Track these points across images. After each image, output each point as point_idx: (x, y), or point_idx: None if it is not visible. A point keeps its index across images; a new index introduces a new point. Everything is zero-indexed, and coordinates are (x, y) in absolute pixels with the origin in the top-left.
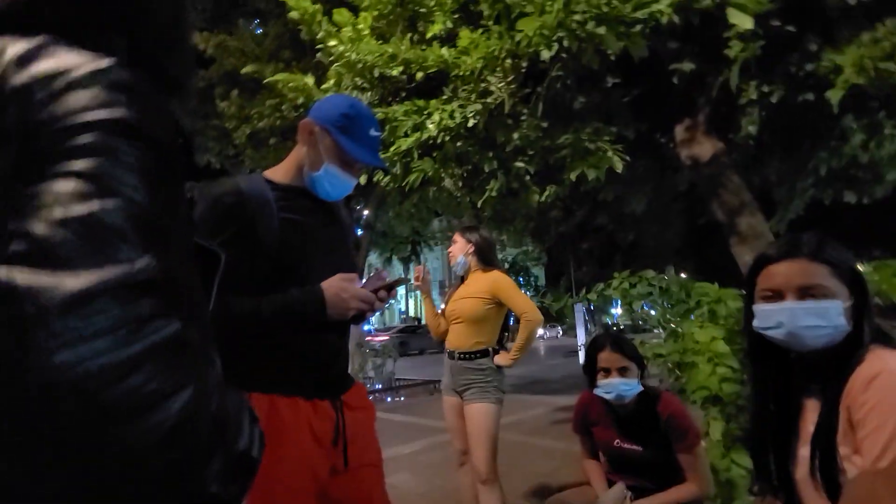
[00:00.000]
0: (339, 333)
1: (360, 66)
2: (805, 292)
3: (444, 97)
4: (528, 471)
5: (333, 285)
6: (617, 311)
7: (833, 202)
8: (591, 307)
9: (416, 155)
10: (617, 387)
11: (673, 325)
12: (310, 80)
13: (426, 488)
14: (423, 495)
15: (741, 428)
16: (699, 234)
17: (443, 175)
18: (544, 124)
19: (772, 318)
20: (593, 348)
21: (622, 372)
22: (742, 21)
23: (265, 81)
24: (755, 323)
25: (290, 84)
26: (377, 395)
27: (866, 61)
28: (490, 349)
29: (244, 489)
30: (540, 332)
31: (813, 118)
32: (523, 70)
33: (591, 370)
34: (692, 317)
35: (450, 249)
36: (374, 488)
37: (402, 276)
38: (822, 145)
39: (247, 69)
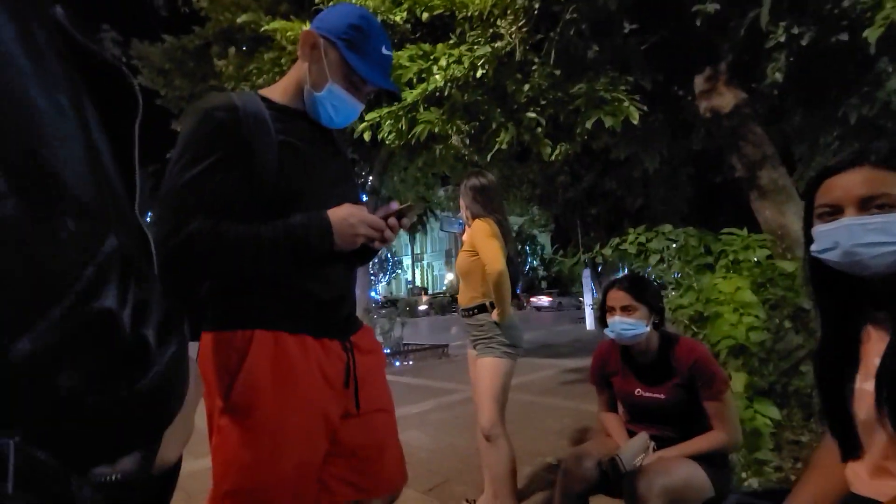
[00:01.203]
0: (346, 267)
1: None
2: (868, 203)
3: (452, 42)
4: (538, 429)
5: (340, 211)
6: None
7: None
8: (599, 270)
9: (422, 108)
10: (616, 325)
11: (691, 280)
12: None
13: (435, 445)
14: (433, 451)
15: (767, 379)
16: (706, 199)
17: (449, 131)
18: (557, 72)
19: (827, 238)
20: (605, 289)
21: (625, 311)
22: None
23: (262, 30)
24: (812, 248)
25: (289, 34)
26: (386, 359)
27: None
28: (487, 303)
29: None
30: (545, 300)
31: (843, 63)
32: (535, 12)
33: (603, 312)
34: (712, 270)
35: (461, 205)
36: (387, 434)
37: (409, 246)
38: (852, 91)
39: (243, 18)
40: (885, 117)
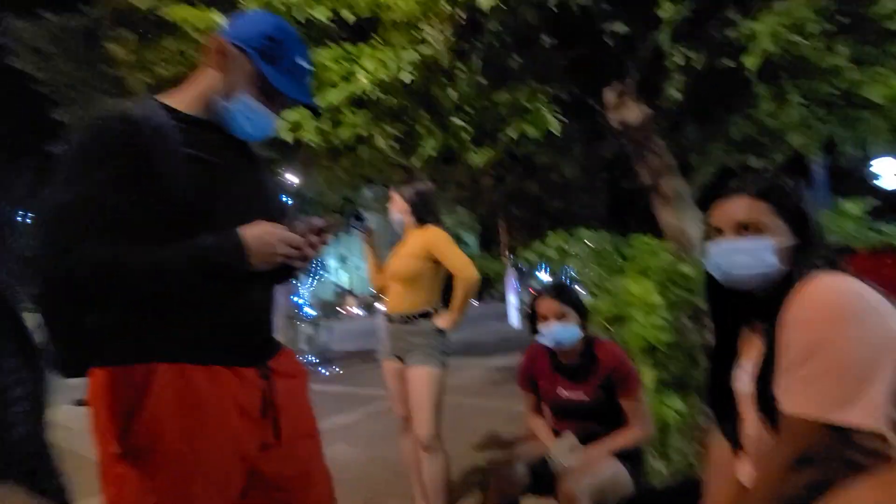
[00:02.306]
0: (263, 289)
1: (279, 5)
2: (741, 230)
3: (376, 44)
4: (468, 431)
5: (256, 229)
6: (544, 275)
7: (740, 168)
8: (521, 270)
9: (346, 110)
10: (553, 332)
11: (606, 283)
12: (220, 18)
13: (365, 458)
14: (364, 465)
15: (671, 374)
16: (620, 203)
17: (376, 134)
18: (483, 81)
19: (713, 257)
20: (535, 298)
21: (560, 318)
22: None
23: (166, 16)
24: (705, 263)
25: (196, 24)
26: (311, 367)
27: (779, 29)
28: (431, 310)
29: None
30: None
31: (729, 86)
32: (461, 21)
33: (533, 319)
34: (626, 272)
35: (390, 207)
36: (312, 460)
37: (334, 248)
38: (735, 112)
39: (141, 1)
40: (762, 135)
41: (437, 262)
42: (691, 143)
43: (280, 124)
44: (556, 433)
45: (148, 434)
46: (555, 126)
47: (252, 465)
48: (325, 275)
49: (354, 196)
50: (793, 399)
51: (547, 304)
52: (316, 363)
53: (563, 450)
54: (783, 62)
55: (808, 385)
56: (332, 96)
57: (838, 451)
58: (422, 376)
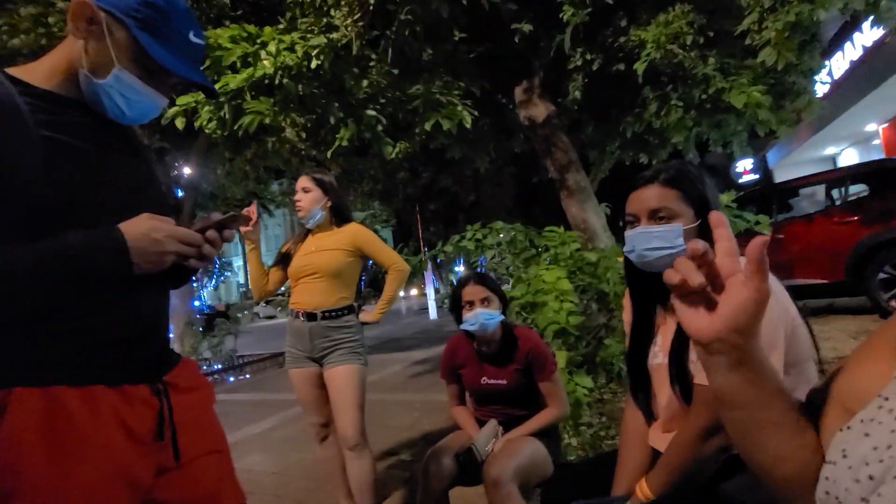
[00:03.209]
0: (154, 294)
1: None
2: (654, 215)
3: (282, 27)
4: (390, 426)
5: (139, 224)
6: (460, 268)
7: (632, 163)
8: (438, 262)
9: (248, 96)
10: (479, 316)
11: (520, 272)
12: None
13: (281, 466)
14: (280, 474)
15: (580, 354)
16: (527, 195)
17: (283, 123)
18: (394, 71)
19: (629, 242)
20: (459, 286)
21: (484, 302)
22: None
23: None
24: (624, 249)
25: None
26: (217, 376)
27: (662, 38)
28: (354, 305)
29: None
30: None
31: (621, 88)
32: (371, 8)
33: (457, 307)
34: (538, 262)
35: (298, 199)
36: (221, 479)
37: (240, 245)
38: (627, 112)
39: None
40: (650, 133)
41: (360, 258)
42: (591, 141)
43: (172, 109)
44: (482, 422)
45: (3, 473)
46: (468, 121)
47: (147, 495)
48: (230, 275)
49: (260, 190)
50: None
51: (472, 290)
52: (223, 371)
53: (486, 437)
54: (665, 69)
55: None
56: (233, 80)
57: None
58: (347, 374)
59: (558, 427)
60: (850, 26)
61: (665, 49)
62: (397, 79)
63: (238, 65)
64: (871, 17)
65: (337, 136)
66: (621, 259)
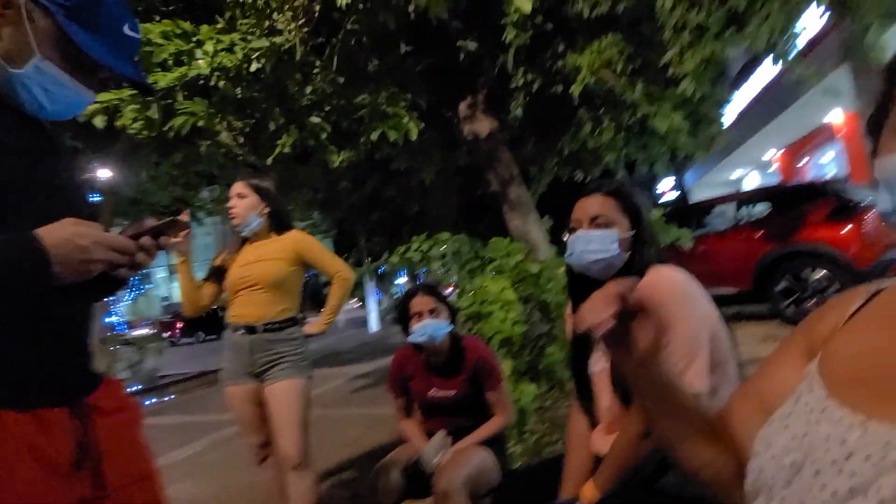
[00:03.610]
0: (76, 307)
1: None
2: (594, 221)
3: (220, 26)
4: (333, 443)
5: (62, 230)
6: (402, 280)
7: (568, 179)
8: (380, 274)
9: (180, 96)
10: (427, 327)
11: (466, 283)
12: None
13: (214, 490)
14: (212, 499)
15: (524, 362)
16: (471, 207)
17: (219, 126)
18: (340, 79)
19: (569, 246)
20: (406, 297)
21: (432, 313)
22: (522, 4)
23: None
24: (566, 254)
25: None
26: (137, 398)
27: (596, 64)
28: (298, 316)
29: None
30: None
31: (559, 108)
32: (316, 14)
33: (405, 319)
34: (484, 273)
35: (232, 206)
36: None
37: (163, 256)
38: (565, 131)
39: None
40: (584, 152)
41: (302, 267)
42: (531, 156)
43: (91, 107)
44: (430, 434)
45: None
46: (414, 132)
47: None
48: (150, 287)
49: (189, 196)
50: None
51: (420, 301)
52: (143, 392)
53: (434, 449)
54: (599, 93)
55: None
56: (163, 79)
57: None
58: (290, 390)
59: (504, 435)
60: (752, 64)
61: (598, 75)
62: (343, 87)
63: (170, 63)
64: (771, 56)
65: (278, 142)
66: (562, 270)
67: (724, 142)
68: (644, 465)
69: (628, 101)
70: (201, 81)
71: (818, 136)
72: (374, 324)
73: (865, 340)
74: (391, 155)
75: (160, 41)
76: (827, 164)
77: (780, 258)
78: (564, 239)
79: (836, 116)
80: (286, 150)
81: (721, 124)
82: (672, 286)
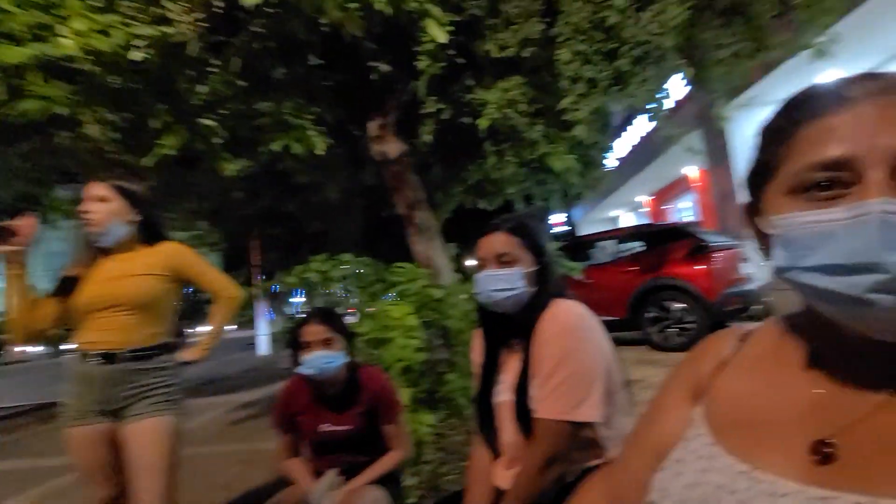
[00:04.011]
0: None
1: None
2: (499, 259)
3: (96, 4)
4: (208, 485)
5: None
6: (298, 299)
7: (472, 208)
8: (274, 295)
9: (41, 77)
10: (317, 359)
11: (367, 307)
12: None
13: None
14: None
15: (423, 390)
16: (376, 228)
17: (84, 117)
18: (240, 83)
19: (477, 285)
20: (298, 324)
21: (325, 343)
22: (437, 34)
23: None
24: (474, 290)
25: None
26: None
27: (501, 102)
28: (171, 342)
29: None
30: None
31: (467, 138)
32: (215, 9)
33: (295, 347)
34: (386, 297)
35: (89, 210)
36: None
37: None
38: (471, 161)
39: None
40: (488, 183)
41: (178, 283)
42: (438, 182)
43: None
44: (319, 473)
45: None
46: (321, 147)
47: None
48: None
49: (40, 194)
50: (544, 405)
51: (312, 330)
52: None
53: (323, 490)
54: (503, 129)
55: (555, 391)
56: (11, 54)
57: (572, 447)
58: (156, 429)
59: (400, 470)
60: (629, 119)
61: (503, 112)
62: (243, 92)
63: (23, 35)
64: (646, 114)
65: (160, 142)
66: (464, 296)
67: (606, 184)
68: (544, 496)
69: (529, 139)
70: (68, 63)
71: (679, 186)
72: (263, 346)
73: (742, 387)
74: (293, 168)
75: (10, 8)
76: (685, 210)
77: (650, 290)
78: (466, 264)
79: (692, 171)
80: (170, 151)
81: (605, 167)
82: (571, 321)
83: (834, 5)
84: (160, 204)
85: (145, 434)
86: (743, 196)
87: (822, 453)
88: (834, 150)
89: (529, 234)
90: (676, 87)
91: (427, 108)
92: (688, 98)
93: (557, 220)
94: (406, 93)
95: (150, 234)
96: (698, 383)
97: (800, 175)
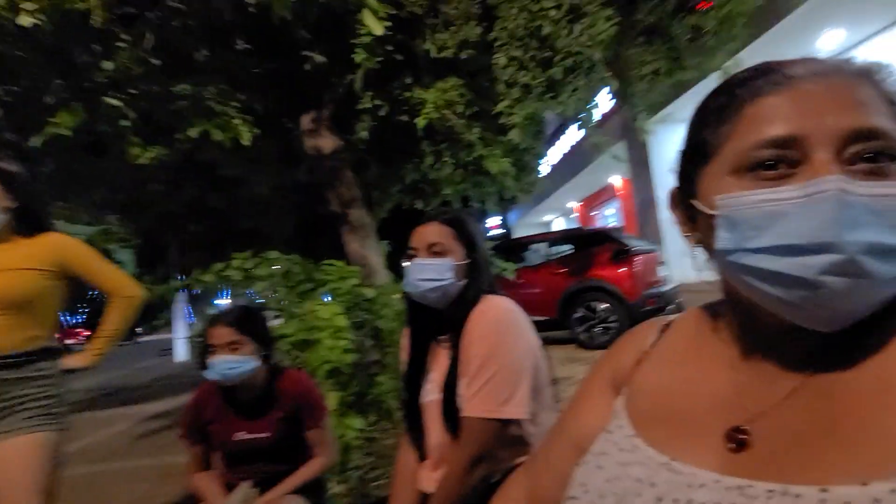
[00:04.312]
0: None
1: None
2: (430, 249)
3: None
4: None
5: None
6: (225, 301)
7: (409, 208)
8: (195, 296)
9: None
10: (220, 364)
11: (294, 307)
12: None
13: None
14: None
15: (352, 393)
16: (309, 227)
17: None
18: (155, 62)
19: (407, 275)
20: (206, 325)
21: (231, 347)
22: (374, 26)
23: None
24: (403, 281)
25: None
26: None
27: (440, 102)
28: (53, 346)
29: None
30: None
31: (404, 137)
32: None
33: (203, 351)
34: (324, 297)
35: None
36: None
37: None
38: (408, 160)
39: None
40: (425, 183)
41: (64, 280)
42: (374, 181)
43: None
44: (232, 486)
45: None
46: (246, 137)
47: None
48: None
49: None
50: (471, 403)
51: (219, 332)
52: None
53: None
54: (441, 130)
55: (482, 389)
56: None
57: (499, 445)
58: (28, 447)
59: (324, 478)
60: (562, 127)
61: (441, 112)
62: (158, 71)
63: None
64: (577, 123)
65: (53, 119)
66: (398, 296)
67: (539, 189)
68: (469, 497)
69: (466, 141)
70: None
71: (605, 194)
72: (181, 352)
73: (661, 377)
74: (218, 160)
75: None
76: (610, 216)
77: (578, 291)
78: (404, 265)
79: (617, 180)
80: (63, 131)
81: (539, 173)
82: (500, 317)
83: (739, 33)
84: (53, 192)
85: (14, 453)
86: (672, 182)
87: (737, 440)
88: (780, 128)
89: (463, 227)
90: (604, 100)
91: (364, 103)
92: (614, 111)
93: (493, 223)
94: (342, 87)
95: (29, 223)
96: (620, 375)
97: (745, 153)
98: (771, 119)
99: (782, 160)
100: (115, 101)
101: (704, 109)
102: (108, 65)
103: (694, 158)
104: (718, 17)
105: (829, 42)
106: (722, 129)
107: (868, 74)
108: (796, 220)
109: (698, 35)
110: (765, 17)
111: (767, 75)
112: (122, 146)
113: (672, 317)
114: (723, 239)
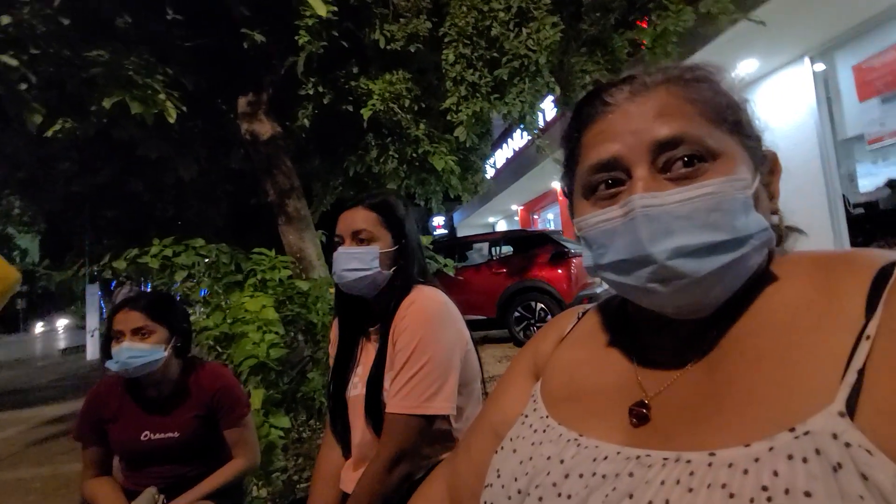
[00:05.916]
0: None
1: None
2: (355, 236)
3: None
4: None
5: None
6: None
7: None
8: (112, 286)
9: None
10: (122, 352)
11: (220, 298)
12: None
13: None
14: None
15: (280, 391)
16: (241, 218)
17: None
18: (65, 21)
19: (333, 264)
20: (114, 311)
21: (139, 334)
22: (318, 7)
23: None
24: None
25: None
26: None
27: (386, 94)
28: None
29: None
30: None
31: (348, 128)
32: None
33: (108, 339)
34: (241, 289)
35: None
36: None
37: None
38: (351, 152)
39: None
40: (369, 177)
41: None
42: (316, 172)
43: None
44: (132, 493)
45: None
46: (172, 115)
47: None
48: None
49: None
50: (395, 399)
51: (127, 317)
52: None
53: None
54: (387, 123)
55: (408, 384)
56: None
57: (423, 442)
58: None
59: (243, 481)
60: (508, 131)
61: (388, 104)
62: (70, 32)
63: None
64: (522, 127)
65: None
66: (332, 290)
67: (484, 190)
68: (390, 497)
69: (412, 136)
70: None
71: (547, 198)
72: (91, 350)
73: (573, 359)
74: (138, 138)
75: None
76: (550, 219)
77: (516, 291)
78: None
79: (558, 185)
80: None
81: (484, 173)
82: (430, 308)
83: (673, 51)
84: None
85: None
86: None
87: (638, 414)
88: (605, 152)
89: (391, 212)
90: (548, 107)
91: (306, 89)
92: (557, 119)
93: (438, 223)
94: (284, 70)
95: None
96: (540, 360)
97: (585, 178)
98: (598, 144)
99: (615, 181)
100: (11, 61)
101: (561, 139)
102: (4, 19)
103: (566, 182)
104: (655, 33)
105: (744, 69)
106: (572, 156)
107: (678, 81)
108: (621, 237)
109: (636, 49)
110: (695, 39)
111: (593, 102)
112: (21, 112)
113: (590, 305)
114: (586, 257)
